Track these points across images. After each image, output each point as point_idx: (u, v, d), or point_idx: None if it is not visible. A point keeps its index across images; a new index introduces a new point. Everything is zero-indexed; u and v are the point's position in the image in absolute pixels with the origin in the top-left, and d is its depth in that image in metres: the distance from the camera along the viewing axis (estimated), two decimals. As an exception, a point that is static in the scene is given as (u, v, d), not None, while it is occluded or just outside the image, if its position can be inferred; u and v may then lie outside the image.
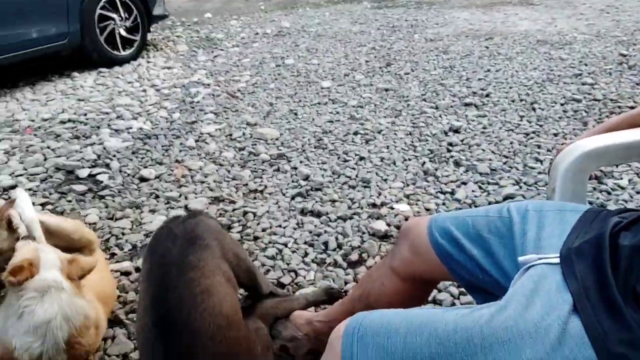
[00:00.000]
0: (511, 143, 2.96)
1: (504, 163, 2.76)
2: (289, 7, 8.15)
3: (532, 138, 3.01)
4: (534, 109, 3.42)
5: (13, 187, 2.55)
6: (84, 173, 2.69)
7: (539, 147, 2.89)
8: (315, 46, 5.36)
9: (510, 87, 3.86)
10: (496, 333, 0.71)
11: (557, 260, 0.83)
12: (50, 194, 2.51)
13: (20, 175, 2.68)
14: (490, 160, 2.79)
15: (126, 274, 1.95)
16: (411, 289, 1.24)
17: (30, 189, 2.53)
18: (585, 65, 4.25)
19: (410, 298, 1.26)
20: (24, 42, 3.90)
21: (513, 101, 3.59)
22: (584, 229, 0.90)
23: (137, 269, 1.97)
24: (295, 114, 3.52)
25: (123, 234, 2.19)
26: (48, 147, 3.00)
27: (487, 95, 3.74)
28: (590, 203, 2.23)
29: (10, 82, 4.20)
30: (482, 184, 2.56)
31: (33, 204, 2.39)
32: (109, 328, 1.66)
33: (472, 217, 1.10)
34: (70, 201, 2.45)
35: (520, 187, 2.50)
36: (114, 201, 2.44)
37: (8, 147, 3.02)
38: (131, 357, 1.56)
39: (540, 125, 3.17)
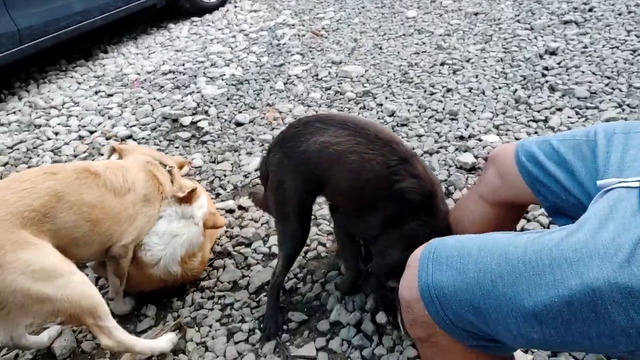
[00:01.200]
0: (615, 62, 2.74)
1: (606, 85, 2.57)
2: None
3: (639, 55, 2.75)
4: (644, 22, 3.09)
5: (129, 137, 2.86)
6: (186, 121, 2.94)
7: (647, 64, 2.64)
8: (399, -28, 5.13)
9: (618, -2, 3.49)
10: (565, 254, 0.74)
11: (637, 184, 0.81)
12: (160, 141, 2.79)
13: (134, 125, 2.98)
14: (590, 82, 2.61)
15: (230, 211, 2.16)
16: (499, 214, 1.27)
17: (142, 138, 2.82)
18: None
19: (499, 223, 1.28)
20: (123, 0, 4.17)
21: (620, 14, 3.26)
22: None
23: (240, 207, 2.17)
24: (380, 48, 3.49)
25: (225, 175, 2.41)
26: (154, 98, 3.28)
27: (590, 10, 3.42)
28: None
29: (115, 39, 4.55)
30: (580, 108, 2.43)
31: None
32: (220, 259, 1.90)
33: (559, 140, 1.10)
34: (177, 147, 2.71)
35: (623, 110, 2.35)
36: (214, 146, 2.66)
37: (120, 100, 3.35)
38: (240, 283, 1.78)
39: (652, 40, 2.87)
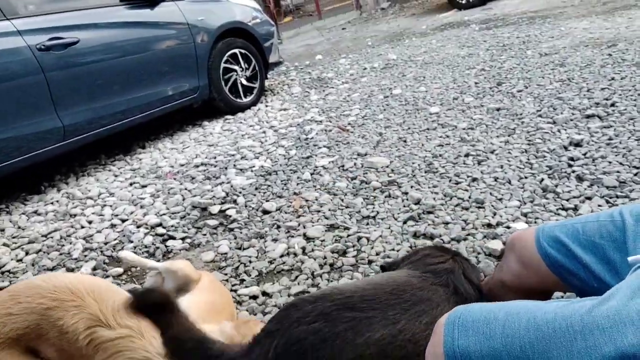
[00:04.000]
0: (642, 153, 2.73)
1: (635, 174, 2.55)
2: (395, 39, 8.32)
3: (667, 145, 2.75)
4: (668, 114, 3.12)
5: (159, 225, 2.92)
6: (215, 209, 3.00)
7: (676, 154, 2.63)
8: (422, 74, 5.41)
9: (639, 94, 3.55)
10: (597, 320, 0.71)
11: None
12: (189, 229, 2.84)
13: (164, 214, 3.06)
14: (618, 172, 2.59)
15: (254, 297, 2.13)
16: None
17: (172, 226, 2.88)
18: None
19: None
20: (162, 99, 4.48)
21: (643, 108, 3.30)
22: None
23: (264, 293, 2.14)
24: (405, 141, 3.58)
25: (250, 261, 2.41)
26: (185, 189, 3.39)
27: (612, 105, 3.48)
28: None
29: (153, 135, 4.82)
30: (610, 197, 2.39)
31: (175, 238, 2.72)
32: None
33: (582, 224, 1.08)
34: (205, 234, 2.74)
35: (655, 199, 2.30)
36: (241, 233, 2.69)
37: (153, 190, 3.47)
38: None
39: (677, 131, 2.88)
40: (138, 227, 2.96)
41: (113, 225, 3.05)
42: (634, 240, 0.95)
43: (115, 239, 2.86)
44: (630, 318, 0.69)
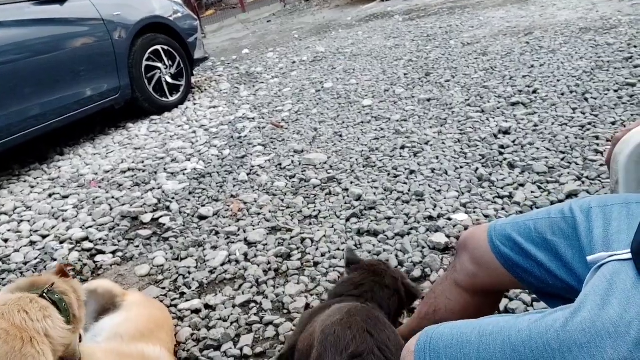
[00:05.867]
0: (567, 138, 2.86)
1: (562, 159, 2.66)
2: (321, 31, 8.29)
3: (588, 130, 2.90)
4: (586, 100, 3.29)
5: (85, 239, 2.70)
6: (147, 218, 2.82)
7: (597, 138, 2.77)
8: (352, 66, 5.42)
9: (558, 80, 3.74)
10: (574, 336, 0.69)
11: (629, 255, 0.79)
12: (119, 241, 2.64)
13: (90, 226, 2.84)
14: (546, 158, 2.70)
15: (196, 311, 2.01)
16: (478, 301, 1.22)
17: (100, 239, 2.67)
18: (635, 47, 4.06)
19: (478, 310, 1.23)
20: (80, 101, 4.16)
21: (563, 94, 3.48)
22: None
23: (207, 306, 2.03)
24: (340, 135, 3.55)
25: (189, 272, 2.27)
26: (112, 197, 3.17)
27: (535, 92, 3.64)
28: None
29: (72, 140, 4.48)
30: (541, 183, 2.48)
31: (104, 252, 2.53)
32: (186, 366, 1.72)
33: (533, 221, 1.07)
34: (137, 246, 2.57)
35: (583, 183, 2.40)
36: (177, 242, 2.54)
37: (76, 201, 3.21)
38: (210, 392, 1.60)
39: (596, 116, 3.04)
40: (61, 242, 2.72)
41: (32, 243, 2.79)
42: (586, 236, 0.95)
43: (36, 258, 2.62)
44: (607, 330, 0.67)
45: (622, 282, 0.75)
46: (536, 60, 4.30)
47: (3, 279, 2.48)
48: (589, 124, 2.95)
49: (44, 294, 1.23)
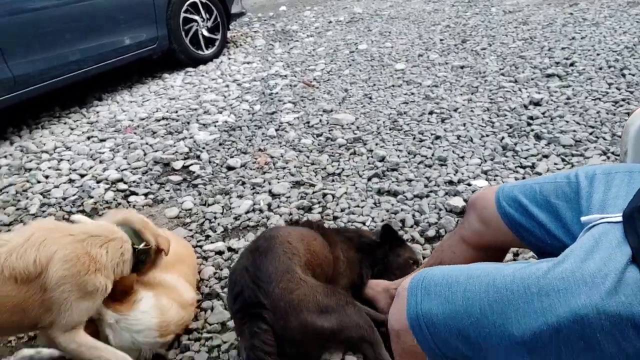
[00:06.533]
0: (598, 112, 2.83)
1: (590, 134, 2.65)
2: (361, -8, 8.14)
3: (621, 106, 2.85)
4: (623, 75, 3.22)
5: (119, 180, 2.86)
6: (178, 165, 2.95)
7: (628, 114, 2.72)
8: (388, 29, 5.36)
9: (598, 54, 3.65)
10: (553, 282, 0.74)
11: (620, 219, 0.83)
12: (151, 185, 2.78)
13: (125, 169, 2.99)
14: (574, 131, 2.68)
15: (220, 253, 2.14)
16: (482, 257, 1.28)
17: (134, 181, 2.82)
18: (684, 23, 3.90)
19: None
20: (119, 50, 4.27)
21: (600, 69, 3.40)
22: None
23: (230, 249, 2.15)
24: (370, 98, 3.58)
25: (215, 217, 2.40)
26: (147, 143, 3.30)
27: (572, 65, 3.56)
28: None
29: (110, 87, 4.63)
30: (566, 156, 2.48)
31: (137, 194, 2.68)
32: (208, 300, 1.86)
33: (539, 184, 1.12)
34: (168, 190, 2.70)
35: (608, 158, 2.40)
36: (205, 189, 2.66)
37: (113, 145, 3.37)
38: (228, 325, 1.73)
39: (631, 92, 2.98)
40: (98, 182, 2.88)
41: (71, 181, 2.96)
42: (586, 200, 0.99)
43: (74, 195, 2.79)
44: (584, 280, 0.73)
45: (608, 241, 0.80)
46: (578, 32, 4.18)
47: (43, 211, 2.66)
48: (623, 100, 2.90)
49: (134, 245, 1.58)
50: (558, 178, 1.10)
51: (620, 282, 0.71)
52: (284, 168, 2.76)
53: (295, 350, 1.37)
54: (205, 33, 5.11)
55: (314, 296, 1.34)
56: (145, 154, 3.15)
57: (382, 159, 2.69)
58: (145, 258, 1.63)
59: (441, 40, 4.66)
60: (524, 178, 2.34)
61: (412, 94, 3.55)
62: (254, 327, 1.30)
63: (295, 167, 2.75)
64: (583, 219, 0.91)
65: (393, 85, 3.75)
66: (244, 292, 1.36)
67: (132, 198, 2.66)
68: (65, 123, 3.87)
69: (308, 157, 2.85)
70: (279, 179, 2.65)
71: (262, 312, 1.31)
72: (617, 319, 0.69)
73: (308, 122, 3.31)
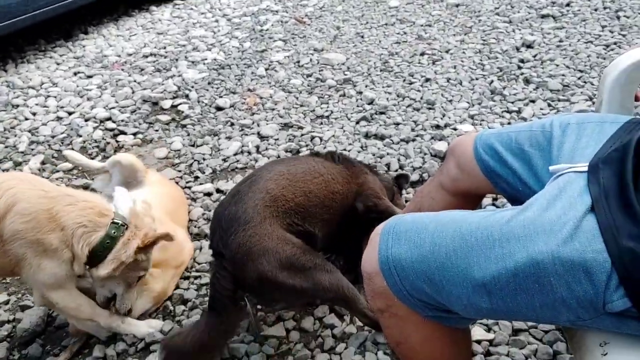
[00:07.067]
0: (588, 56, 2.81)
1: (579, 78, 2.65)
2: None
3: (612, 50, 2.83)
4: (618, 18, 3.17)
5: (108, 118, 2.85)
6: (167, 104, 2.94)
7: (619, 59, 2.72)
8: (384, -38, 5.14)
9: (595, -6, 3.56)
10: (514, 230, 0.79)
11: (586, 168, 0.86)
12: (140, 124, 2.79)
13: (113, 107, 2.97)
14: (563, 75, 2.68)
15: (208, 194, 2.19)
16: (459, 203, 1.32)
17: (122, 120, 2.82)
18: (687, -38, 3.78)
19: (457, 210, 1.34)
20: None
21: (596, 10, 3.34)
22: (619, 139, 0.91)
23: (218, 190, 2.20)
24: (362, 36, 3.51)
25: (204, 159, 2.43)
26: (135, 81, 3.26)
27: (568, 5, 3.49)
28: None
29: (96, 20, 4.49)
30: (552, 101, 2.50)
31: (126, 133, 2.69)
32: (197, 240, 1.93)
33: (516, 132, 1.15)
34: (157, 130, 2.71)
35: (593, 103, 2.41)
36: (194, 129, 2.67)
37: (100, 81, 3.32)
38: (216, 263, 1.81)
39: (624, 35, 2.95)
40: (86, 120, 2.87)
41: (59, 118, 2.95)
42: (557, 149, 1.02)
43: (62, 133, 2.79)
44: (543, 227, 0.77)
45: (572, 189, 0.83)
46: (578, -31, 4.05)
47: (32, 149, 2.67)
48: (615, 43, 2.87)
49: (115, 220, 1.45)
50: (534, 126, 1.13)
51: (577, 230, 0.75)
52: (272, 109, 2.76)
53: (261, 299, 1.44)
54: (194, -37, 4.89)
55: (277, 252, 1.32)
56: (133, 92, 3.12)
57: (371, 102, 2.69)
58: (110, 244, 1.42)
59: (438, -25, 4.50)
60: (509, 123, 2.37)
61: (405, 33, 3.48)
62: (217, 274, 1.35)
63: (284, 108, 2.76)
64: (551, 168, 0.94)
65: (386, 24, 3.67)
66: (213, 239, 1.40)
67: (120, 137, 2.67)
68: (51, 57, 3.79)
69: (297, 98, 2.85)
70: (267, 121, 2.66)
71: (222, 261, 1.35)
72: (570, 265, 0.73)
73: (298, 62, 3.26)
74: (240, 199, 1.40)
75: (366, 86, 2.87)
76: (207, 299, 1.66)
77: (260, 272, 1.31)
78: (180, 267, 1.75)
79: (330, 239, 1.56)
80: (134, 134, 2.70)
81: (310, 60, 3.26)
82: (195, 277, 1.77)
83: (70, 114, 2.97)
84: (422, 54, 3.14)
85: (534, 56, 2.91)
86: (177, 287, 1.74)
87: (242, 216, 1.35)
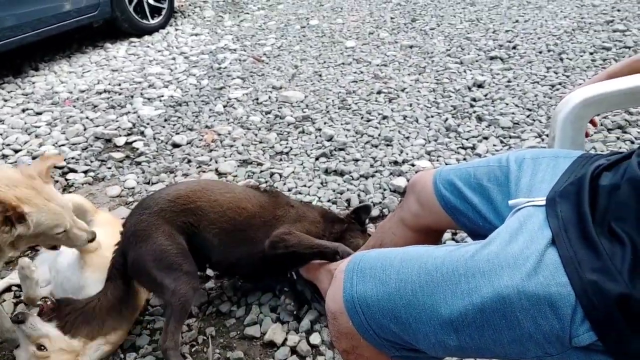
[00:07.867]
0: (536, 96, 2.95)
1: (527, 116, 2.76)
2: (313, -36, 8.01)
3: (557, 90, 2.98)
4: (561, 60, 3.36)
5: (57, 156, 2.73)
6: (121, 141, 2.86)
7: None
8: (340, 5, 5.32)
9: (539, 38, 3.78)
10: (478, 265, 0.79)
11: (544, 202, 0.88)
12: (92, 161, 2.69)
13: (63, 145, 2.86)
14: (513, 114, 2.79)
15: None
16: (420, 238, 1.33)
17: (72, 158, 2.71)
18: (618, 11, 4.10)
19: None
20: (57, 16, 4.03)
21: (540, 52, 3.53)
22: (574, 173, 0.94)
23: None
24: (320, 75, 3.57)
25: (159, 196, 2.35)
26: (87, 118, 3.17)
27: (514, 48, 3.68)
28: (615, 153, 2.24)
29: (48, 56, 4.38)
30: (504, 137, 2.59)
31: (76, 171, 2.59)
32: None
33: (474, 168, 1.17)
34: (109, 168, 2.62)
35: (542, 140, 2.52)
36: (149, 166, 2.60)
37: (50, 118, 3.21)
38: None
39: (567, 76, 3.12)
40: (33, 158, 2.75)
41: (4, 156, 2.81)
42: (515, 184, 1.05)
43: (8, 172, 2.65)
44: (507, 262, 0.77)
45: (532, 224, 0.84)
46: (522, 15, 4.31)
47: (-25, 189, 2.52)
48: (559, 84, 3.03)
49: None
50: (491, 162, 1.15)
51: (540, 264, 0.75)
52: (231, 146, 2.73)
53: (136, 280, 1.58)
54: (151, 1, 4.89)
55: (155, 243, 1.48)
56: (85, 129, 3.03)
57: (330, 138, 2.71)
58: None
59: (392, 18, 4.68)
60: (465, 159, 2.43)
61: (362, 72, 3.56)
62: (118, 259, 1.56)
63: (243, 145, 2.73)
64: (510, 202, 0.95)
65: (343, 63, 3.75)
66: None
67: (70, 175, 2.56)
68: (-3, 94, 3.64)
69: (256, 135, 2.83)
70: (225, 157, 2.62)
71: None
72: (535, 299, 0.73)
73: (257, 99, 3.27)
74: (159, 191, 1.63)
75: (325, 123, 2.89)
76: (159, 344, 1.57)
77: (137, 255, 1.49)
78: (135, 313, 1.66)
79: (231, 253, 1.60)
80: (85, 172, 2.60)
81: (269, 97, 3.27)
82: (149, 322, 1.68)
83: (16, 151, 2.84)
84: (379, 92, 3.21)
85: (485, 95, 3.03)
86: (130, 332, 1.64)
87: (146, 202, 1.58)
